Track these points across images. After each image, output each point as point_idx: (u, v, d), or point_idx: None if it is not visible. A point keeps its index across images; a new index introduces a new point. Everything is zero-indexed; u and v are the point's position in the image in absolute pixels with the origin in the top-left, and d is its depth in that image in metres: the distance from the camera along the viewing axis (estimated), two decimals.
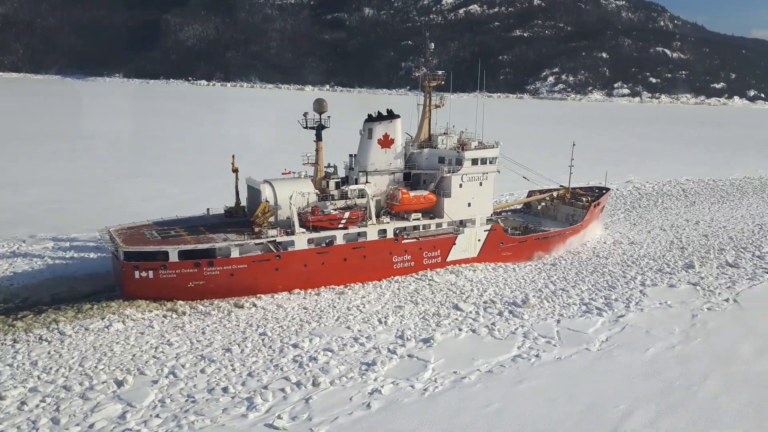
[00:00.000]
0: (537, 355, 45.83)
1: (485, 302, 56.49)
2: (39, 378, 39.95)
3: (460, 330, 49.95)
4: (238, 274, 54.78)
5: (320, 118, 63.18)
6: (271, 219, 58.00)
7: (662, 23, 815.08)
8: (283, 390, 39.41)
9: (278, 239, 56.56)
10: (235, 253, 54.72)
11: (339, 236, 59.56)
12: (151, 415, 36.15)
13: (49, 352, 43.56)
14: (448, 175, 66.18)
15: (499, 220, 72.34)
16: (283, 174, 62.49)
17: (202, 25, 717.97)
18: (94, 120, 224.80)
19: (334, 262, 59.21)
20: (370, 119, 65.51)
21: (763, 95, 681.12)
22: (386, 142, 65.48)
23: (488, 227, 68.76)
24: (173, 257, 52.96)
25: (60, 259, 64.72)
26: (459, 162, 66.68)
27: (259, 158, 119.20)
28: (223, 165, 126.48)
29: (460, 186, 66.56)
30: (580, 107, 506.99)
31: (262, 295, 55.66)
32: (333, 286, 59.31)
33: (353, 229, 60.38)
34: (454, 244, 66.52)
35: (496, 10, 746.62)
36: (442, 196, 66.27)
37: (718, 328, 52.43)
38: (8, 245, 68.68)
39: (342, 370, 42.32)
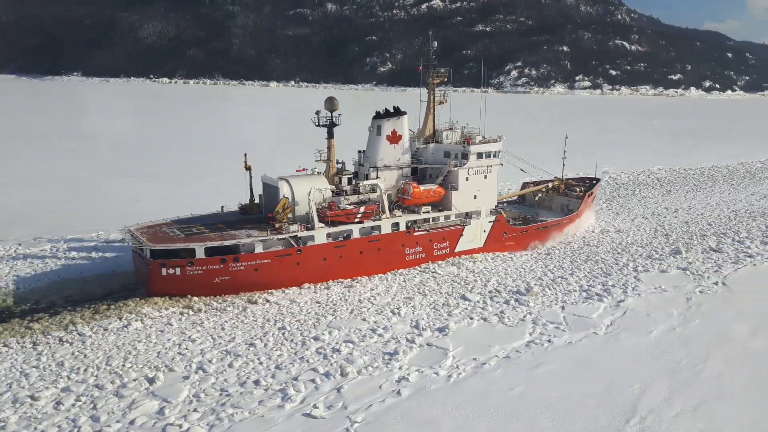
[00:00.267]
0: (549, 341, 47.68)
1: (490, 292, 58.28)
2: (69, 378, 40.13)
3: (471, 319, 51.57)
4: (261, 268, 55.85)
5: (331, 116, 64.29)
6: (290, 215, 59.09)
7: (619, 16, 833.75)
8: (313, 381, 40.41)
9: (299, 234, 57.80)
10: (259, 249, 55.76)
11: (355, 230, 61.04)
12: (188, 410, 36.78)
13: (73, 353, 43.69)
14: (455, 169, 68.17)
15: (501, 211, 74.49)
16: (297, 171, 63.59)
17: (161, 22, 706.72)
18: (60, 119, 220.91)
19: (351, 255, 60.79)
20: (378, 116, 67.10)
21: (717, 86, 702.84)
22: (394, 138, 67.05)
23: (492, 218, 71.03)
24: (200, 254, 53.71)
25: (62, 260, 64.22)
26: (465, 156, 68.69)
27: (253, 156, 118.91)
28: (209, 165, 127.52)
29: (467, 179, 68.75)
30: (543, 100, 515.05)
31: (274, 291, 56.52)
32: (341, 280, 60.57)
33: (368, 223, 61.97)
34: (462, 235, 68.62)
35: (458, 5, 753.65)
36: (449, 189, 68.32)
37: (711, 310, 55.04)
38: (3, 248, 67.89)
39: (366, 360, 43.50)
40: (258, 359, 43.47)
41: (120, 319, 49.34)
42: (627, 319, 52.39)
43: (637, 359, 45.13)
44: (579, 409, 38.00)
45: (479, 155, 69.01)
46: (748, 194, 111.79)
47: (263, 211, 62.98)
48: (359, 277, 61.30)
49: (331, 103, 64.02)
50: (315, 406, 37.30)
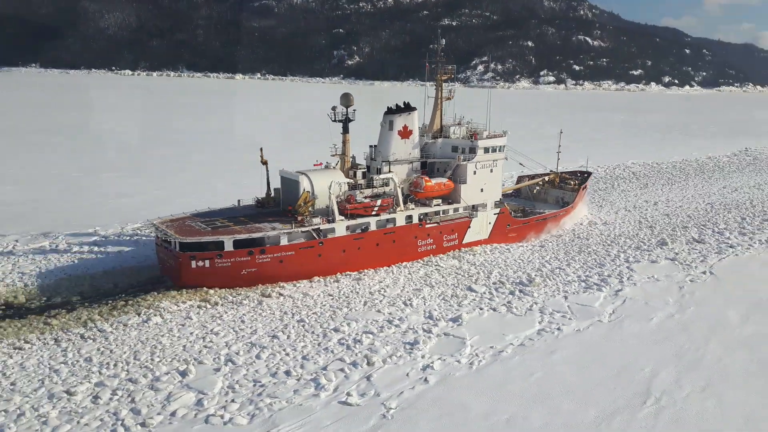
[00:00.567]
0: (559, 329, 49.85)
1: (494, 283, 60.29)
2: (100, 373, 40.55)
3: (481, 309, 53.46)
4: (286, 260, 57.24)
5: (347, 112, 65.50)
6: (310, 208, 60.32)
7: (582, 12, 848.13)
8: (342, 370, 41.69)
9: (321, 227, 59.13)
10: (284, 241, 57.05)
11: (372, 223, 62.71)
12: (226, 401, 37.69)
13: (98, 349, 44.01)
14: (464, 163, 70.58)
15: (505, 204, 76.70)
16: (314, 165, 64.96)
17: (123, 13, 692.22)
18: (25, 113, 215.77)
19: (368, 247, 62.55)
20: (390, 111, 68.75)
21: (676, 81, 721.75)
22: (405, 133, 68.82)
23: (497, 211, 73.49)
24: (228, 246, 54.79)
25: (66, 256, 63.90)
26: (473, 150, 70.98)
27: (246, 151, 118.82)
28: (188, 160, 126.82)
29: (474, 173, 71.16)
30: (509, 95, 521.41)
31: (285, 285, 57.50)
32: (361, 270, 62.45)
33: (384, 216, 63.67)
34: (469, 227, 71.02)
35: None
36: (458, 182, 70.53)
37: (704, 298, 58.07)
38: (1, 244, 67.18)
39: (389, 350, 44.96)
40: (284, 350, 44.52)
41: (139, 314, 49.72)
42: (627, 308, 54.98)
43: (642, 345, 47.62)
44: (598, 392, 40.15)
45: (486, 150, 71.56)
46: (720, 187, 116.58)
47: (281, 204, 64.24)
48: (368, 270, 62.76)
49: (347, 99, 65.21)
50: (349, 394, 38.62)
